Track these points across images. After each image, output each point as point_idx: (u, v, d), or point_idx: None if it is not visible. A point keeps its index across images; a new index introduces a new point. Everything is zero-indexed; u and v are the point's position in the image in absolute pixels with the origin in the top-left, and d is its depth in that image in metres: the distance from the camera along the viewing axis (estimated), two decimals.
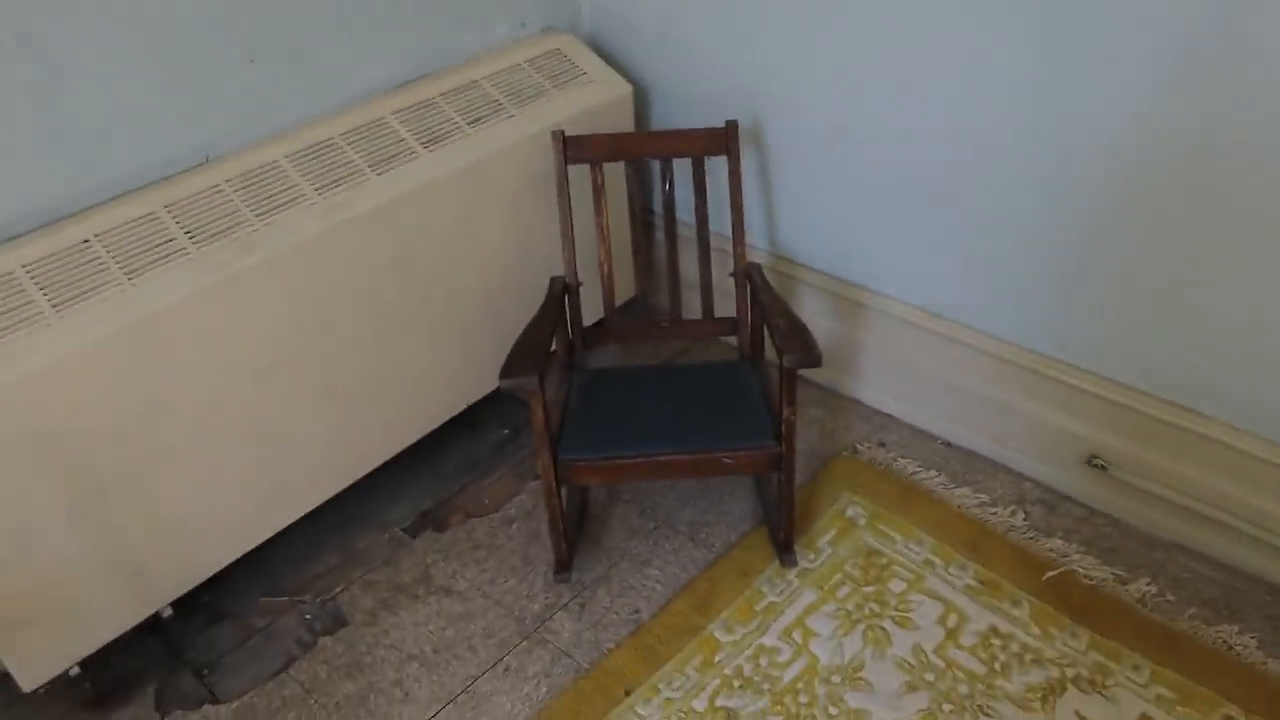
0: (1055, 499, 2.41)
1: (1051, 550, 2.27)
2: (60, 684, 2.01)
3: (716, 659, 2.08)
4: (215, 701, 2.07)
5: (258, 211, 2.04)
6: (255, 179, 2.08)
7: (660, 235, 2.46)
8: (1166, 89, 1.86)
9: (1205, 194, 1.91)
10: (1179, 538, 2.28)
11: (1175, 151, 1.90)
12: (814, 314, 2.70)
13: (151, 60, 1.98)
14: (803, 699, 1.99)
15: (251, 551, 2.22)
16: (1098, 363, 2.25)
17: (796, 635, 2.11)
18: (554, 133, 2.28)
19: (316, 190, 2.11)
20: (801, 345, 1.99)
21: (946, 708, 1.96)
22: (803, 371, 2.74)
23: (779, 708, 1.98)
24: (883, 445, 2.58)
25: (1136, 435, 2.24)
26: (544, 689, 2.05)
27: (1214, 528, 2.21)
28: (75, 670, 2.02)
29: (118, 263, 1.89)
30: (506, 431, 2.68)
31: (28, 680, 1.95)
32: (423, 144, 2.26)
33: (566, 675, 2.07)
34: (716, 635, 2.12)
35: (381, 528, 2.44)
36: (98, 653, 2.03)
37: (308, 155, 2.15)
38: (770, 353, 2.17)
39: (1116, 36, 1.88)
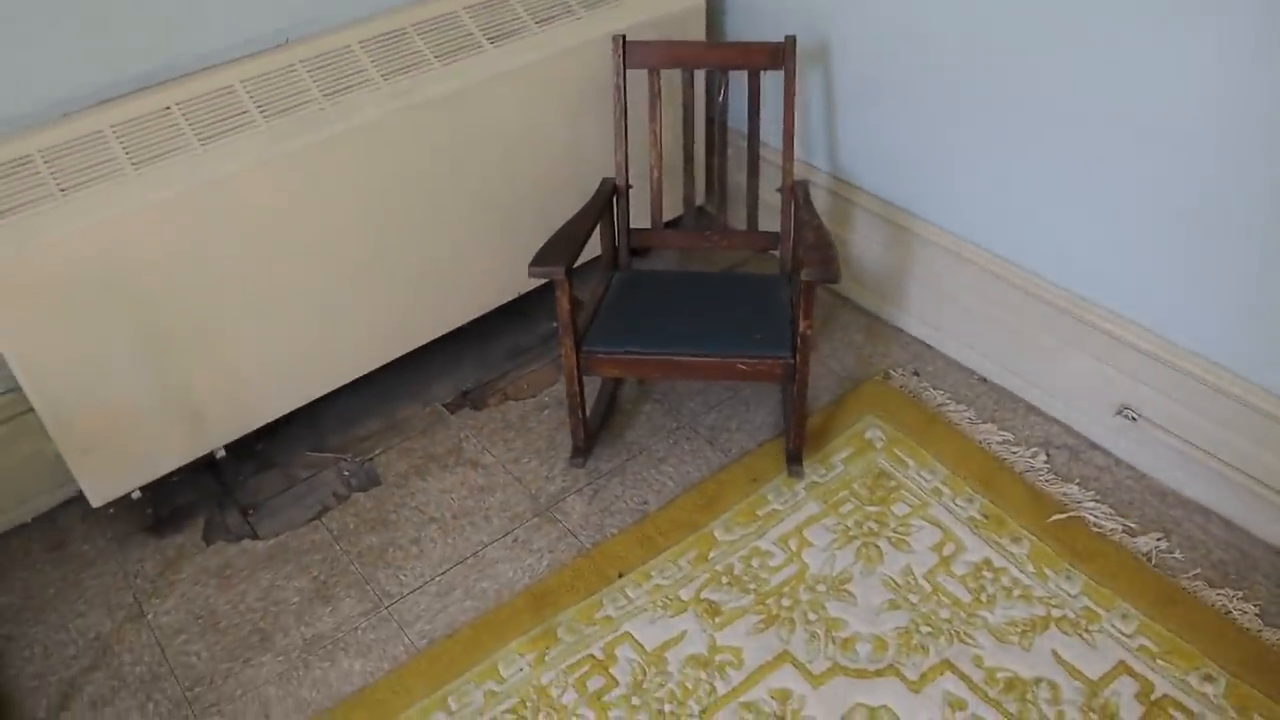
0: (1082, 446, 2.40)
1: (1065, 495, 2.27)
2: (124, 505, 2.26)
3: (710, 555, 2.18)
4: (255, 538, 2.29)
5: (325, 91, 2.18)
6: (327, 62, 2.21)
7: (726, 146, 2.51)
8: None
9: None
10: (1201, 498, 2.25)
11: None
12: (866, 238, 2.71)
13: None
14: (785, 601, 2.08)
15: (303, 408, 2.42)
16: (1137, 311, 2.21)
17: (792, 543, 2.19)
18: (614, 36, 2.34)
19: (383, 75, 2.23)
20: (821, 260, 2.03)
21: (924, 629, 2.02)
22: (848, 295, 2.80)
23: (760, 607, 2.07)
24: (917, 374, 2.60)
25: (1169, 389, 2.20)
26: (545, 562, 2.19)
27: (1237, 491, 2.17)
28: (137, 494, 2.25)
29: (194, 129, 2.06)
30: (555, 325, 2.79)
31: (96, 497, 2.19)
32: (489, 39, 2.36)
33: (568, 553, 2.21)
34: (715, 533, 2.22)
35: (424, 401, 2.60)
36: (158, 482, 2.27)
37: (379, 42, 2.27)
38: None
39: None
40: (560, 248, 2.13)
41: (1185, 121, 1.94)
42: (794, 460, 2.30)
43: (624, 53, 2.35)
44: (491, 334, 2.74)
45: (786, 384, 2.18)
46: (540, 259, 2.09)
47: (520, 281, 2.63)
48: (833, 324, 2.77)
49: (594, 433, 2.44)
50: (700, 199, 2.62)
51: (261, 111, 2.11)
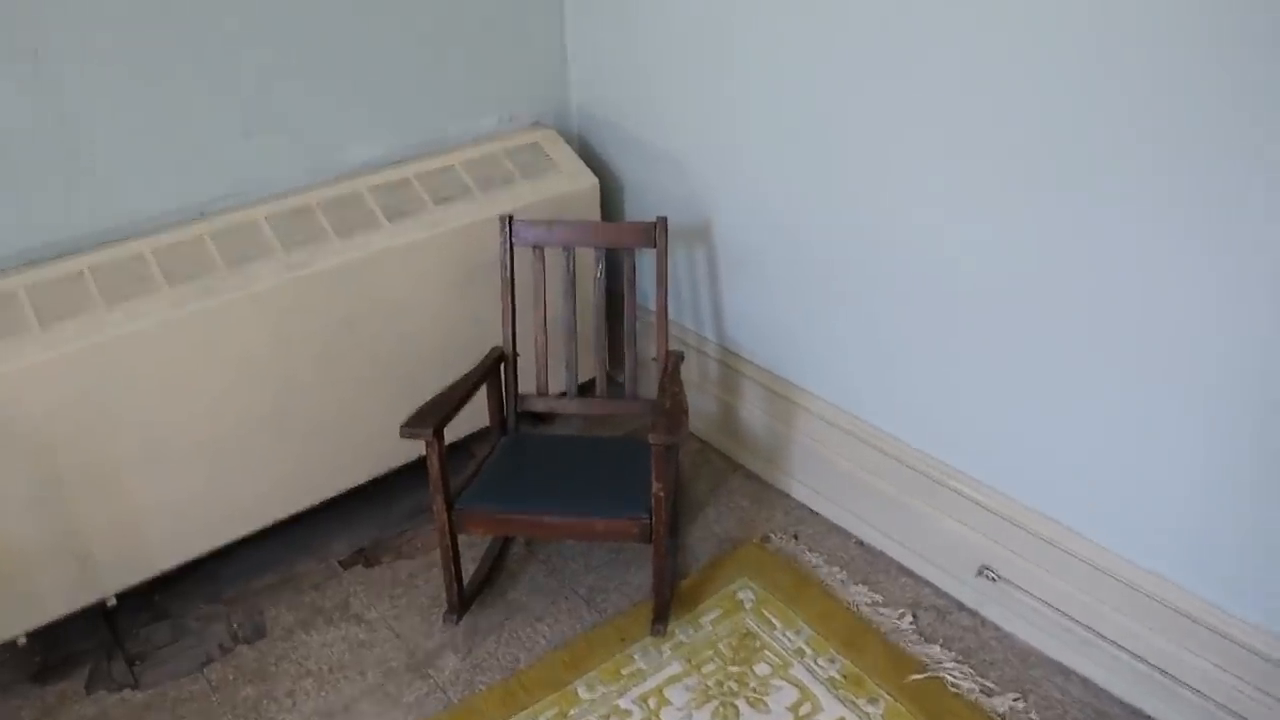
0: (950, 607, 2.45)
1: (928, 655, 2.31)
2: (10, 651, 2.33)
3: (571, 713, 2.21)
4: (135, 688, 2.34)
5: (229, 261, 2.37)
6: (235, 234, 2.42)
7: (611, 318, 2.68)
8: None
9: None
10: (1061, 658, 2.29)
11: None
12: (753, 406, 2.84)
13: (160, 128, 2.35)
14: None
15: (205, 560, 2.51)
16: (989, 474, 2.31)
17: (651, 702, 2.23)
18: (501, 216, 2.54)
19: (284, 248, 2.43)
20: (666, 425, 2.16)
21: None
22: (740, 460, 2.91)
23: None
24: (796, 538, 2.68)
25: (1025, 550, 2.28)
26: (411, 717, 2.23)
27: (1093, 652, 2.21)
28: (23, 640, 2.32)
29: (102, 292, 2.24)
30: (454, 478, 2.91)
31: None
32: (388, 217, 2.57)
33: (435, 708, 2.25)
34: (578, 691, 2.26)
35: (321, 557, 2.69)
36: (49, 628, 2.34)
37: (285, 218, 2.49)
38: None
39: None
40: (432, 411, 2.27)
41: (1031, 289, 2.09)
42: (657, 619, 2.36)
43: (510, 231, 2.55)
44: (395, 492, 2.85)
45: (646, 544, 2.27)
46: (411, 421, 2.23)
47: (420, 444, 2.76)
48: (721, 488, 2.88)
49: (477, 591, 2.52)
50: (587, 372, 2.76)
51: (167, 278, 2.30)
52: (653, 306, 2.61)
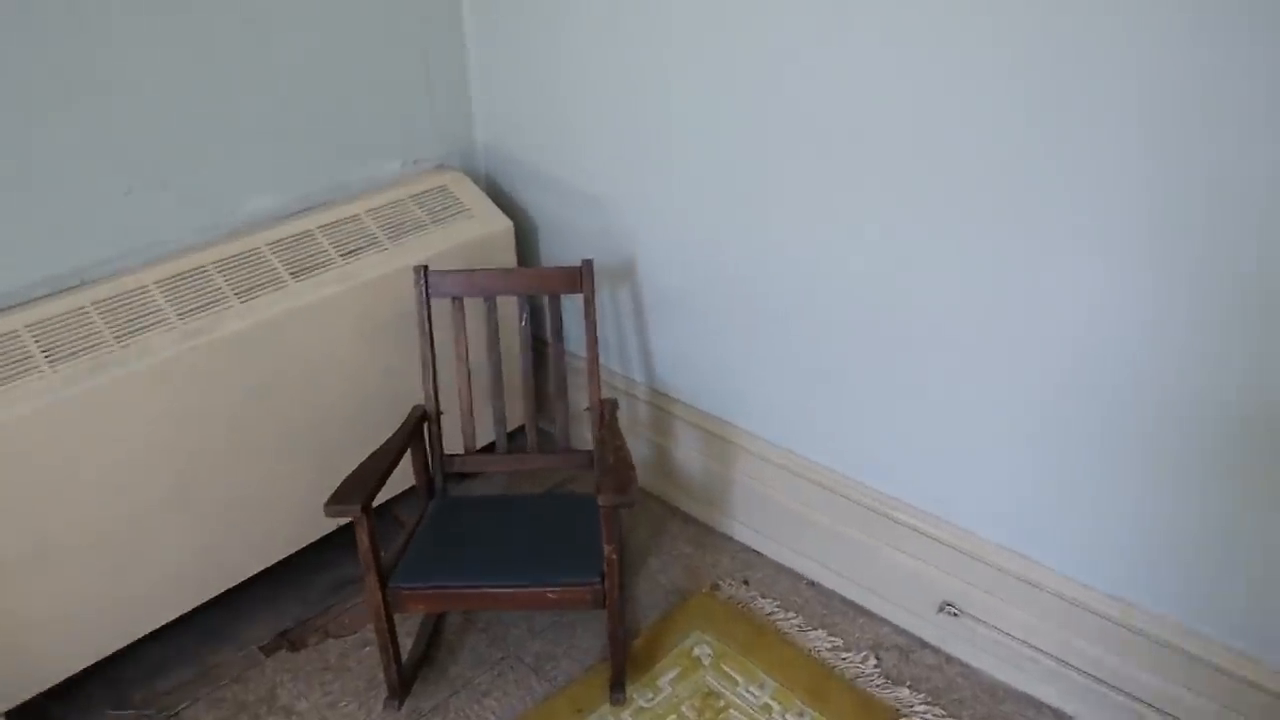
0: (912, 645, 2.38)
1: (897, 700, 2.23)
2: None
3: None
4: None
5: (117, 334, 2.14)
6: (120, 303, 2.19)
7: (538, 366, 2.53)
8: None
9: None
10: (1031, 691, 2.24)
11: None
12: (688, 448, 2.74)
13: (33, 185, 2.12)
14: None
15: (107, 660, 2.27)
16: (942, 507, 2.25)
17: None
18: (415, 267, 2.38)
19: (179, 315, 2.22)
20: (617, 484, 2.03)
21: None
22: (677, 504, 2.79)
23: None
24: (746, 583, 2.58)
25: (984, 583, 2.22)
26: None
27: (1064, 683, 2.17)
28: None
29: None
30: (382, 550, 2.72)
31: None
32: (292, 274, 2.38)
33: None
34: None
35: (238, 644, 2.47)
36: None
37: (177, 281, 2.27)
38: None
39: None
40: (358, 484, 2.09)
41: (976, 322, 2.03)
42: (615, 687, 2.23)
43: (426, 282, 2.38)
44: (314, 565, 2.64)
45: (599, 609, 2.13)
46: (337, 497, 2.04)
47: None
48: (662, 535, 2.76)
49: (415, 668, 2.34)
50: (516, 422, 2.63)
51: (47, 356, 2.06)
52: (581, 353, 2.48)
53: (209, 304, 2.26)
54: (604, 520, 2.04)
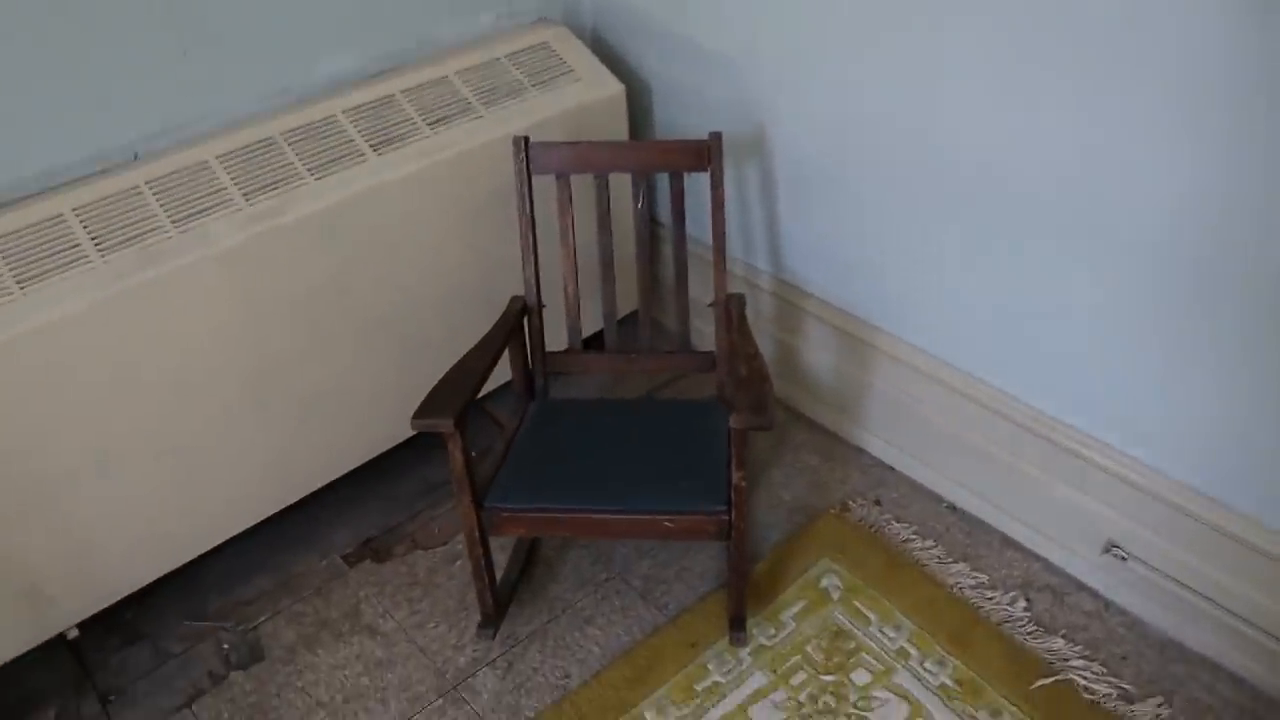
0: (1066, 586, 2.09)
1: (1050, 652, 1.96)
2: None
3: None
4: None
5: (175, 218, 1.88)
6: (178, 181, 1.92)
7: (653, 255, 2.21)
8: None
9: None
10: (1206, 650, 1.94)
11: None
12: (819, 348, 2.42)
13: (77, 50, 1.82)
14: None
15: (180, 569, 2.10)
16: (1119, 437, 1.92)
17: None
18: (515, 138, 2.05)
19: (244, 195, 1.94)
20: (752, 404, 1.73)
21: None
22: (802, 409, 2.50)
23: None
24: (878, 504, 2.30)
25: (1161, 526, 1.91)
26: None
27: (1245, 644, 1.87)
28: None
29: (12, 270, 1.75)
30: (474, 453, 2.49)
31: None
32: (372, 146, 2.07)
33: None
34: (646, 716, 1.90)
35: (321, 553, 2.28)
36: (3, 668, 1.94)
37: (242, 156, 1.98)
38: None
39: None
40: (448, 393, 1.82)
41: (1165, 230, 1.66)
42: (735, 626, 1.98)
43: (527, 157, 2.06)
44: (401, 466, 2.42)
45: (722, 541, 1.87)
46: (425, 409, 1.79)
47: None
48: (785, 444, 2.47)
49: (511, 589, 2.13)
50: (626, 310, 2.33)
51: (96, 244, 1.81)
52: (705, 240, 2.15)
53: (278, 182, 1.97)
54: (735, 444, 1.75)
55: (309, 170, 2.00)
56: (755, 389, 1.78)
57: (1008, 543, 2.19)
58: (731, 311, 2.07)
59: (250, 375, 2.01)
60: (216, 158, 1.96)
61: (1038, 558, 2.15)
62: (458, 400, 1.80)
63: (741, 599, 1.97)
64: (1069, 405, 1.99)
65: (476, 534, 1.89)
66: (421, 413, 1.78)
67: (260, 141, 2.01)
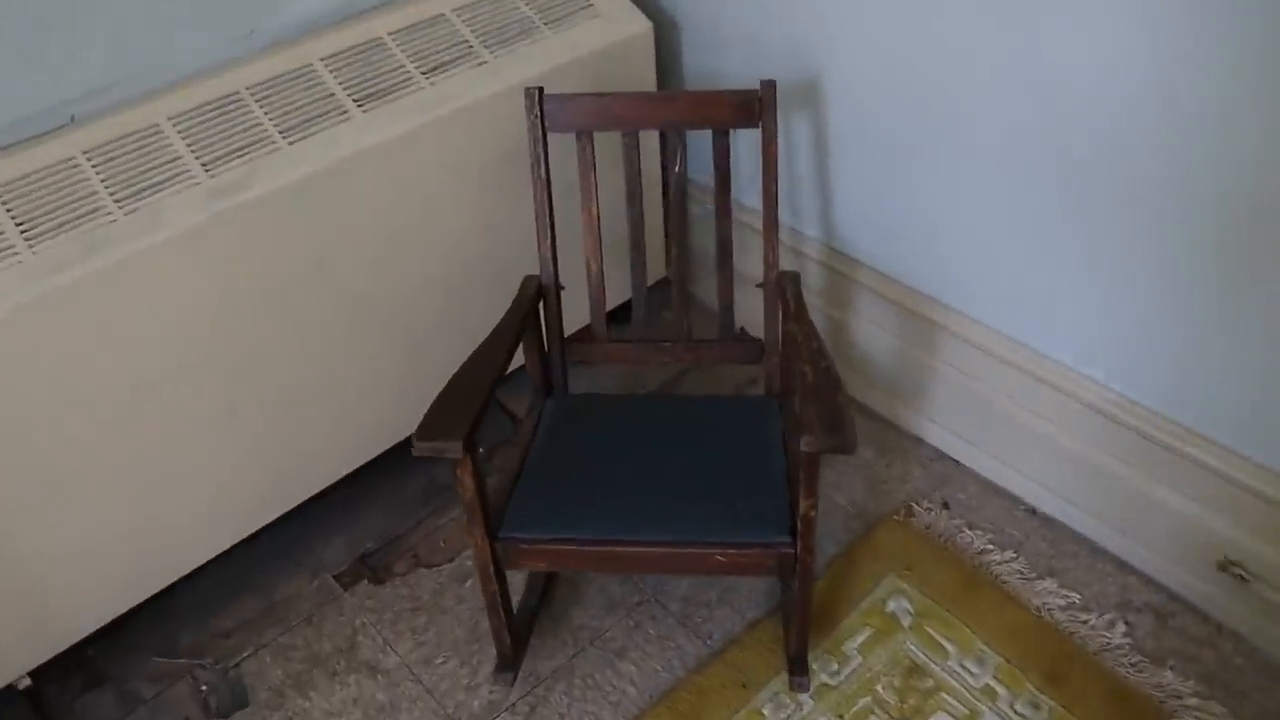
0: (1170, 607, 1.82)
1: (1159, 688, 1.69)
2: None
3: None
4: None
5: (120, 195, 1.55)
6: (123, 149, 1.59)
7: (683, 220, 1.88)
8: None
9: None
10: None
11: None
12: (874, 325, 2.11)
13: None
14: None
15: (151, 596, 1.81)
16: (1246, 441, 1.63)
17: None
18: (527, 90, 1.72)
19: (204, 166, 1.61)
20: (826, 421, 1.42)
21: None
22: (853, 393, 2.20)
23: None
24: (947, 507, 2.01)
25: None
26: None
27: None
28: None
29: None
30: (482, 450, 2.18)
31: None
32: (357, 101, 1.73)
33: None
34: None
35: (310, 573, 1.99)
36: None
37: (200, 116, 1.65)
38: None
39: None
40: (455, 407, 1.51)
41: None
42: (798, 669, 1.70)
43: (541, 111, 1.73)
44: (399, 469, 2.12)
45: (785, 578, 1.59)
46: (429, 429, 1.47)
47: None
48: None
49: (531, 617, 1.85)
50: (658, 274, 2.01)
51: (24, 232, 1.48)
52: (753, 206, 1.83)
53: (245, 148, 1.64)
54: (805, 469, 1.45)
55: (281, 132, 1.67)
56: (827, 400, 1.47)
57: (1097, 553, 1.91)
58: (787, 293, 1.76)
59: (218, 377, 1.70)
60: (169, 120, 1.62)
61: (1134, 570, 1.87)
62: (467, 416, 1.49)
63: (804, 640, 1.69)
64: (1165, 394, 1.69)
65: (491, 569, 1.59)
66: (425, 433, 1.47)
67: (222, 98, 1.67)
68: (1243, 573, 1.71)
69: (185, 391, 1.66)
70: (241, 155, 1.63)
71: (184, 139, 1.61)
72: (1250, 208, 1.44)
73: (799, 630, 1.66)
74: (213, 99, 1.66)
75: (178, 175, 1.59)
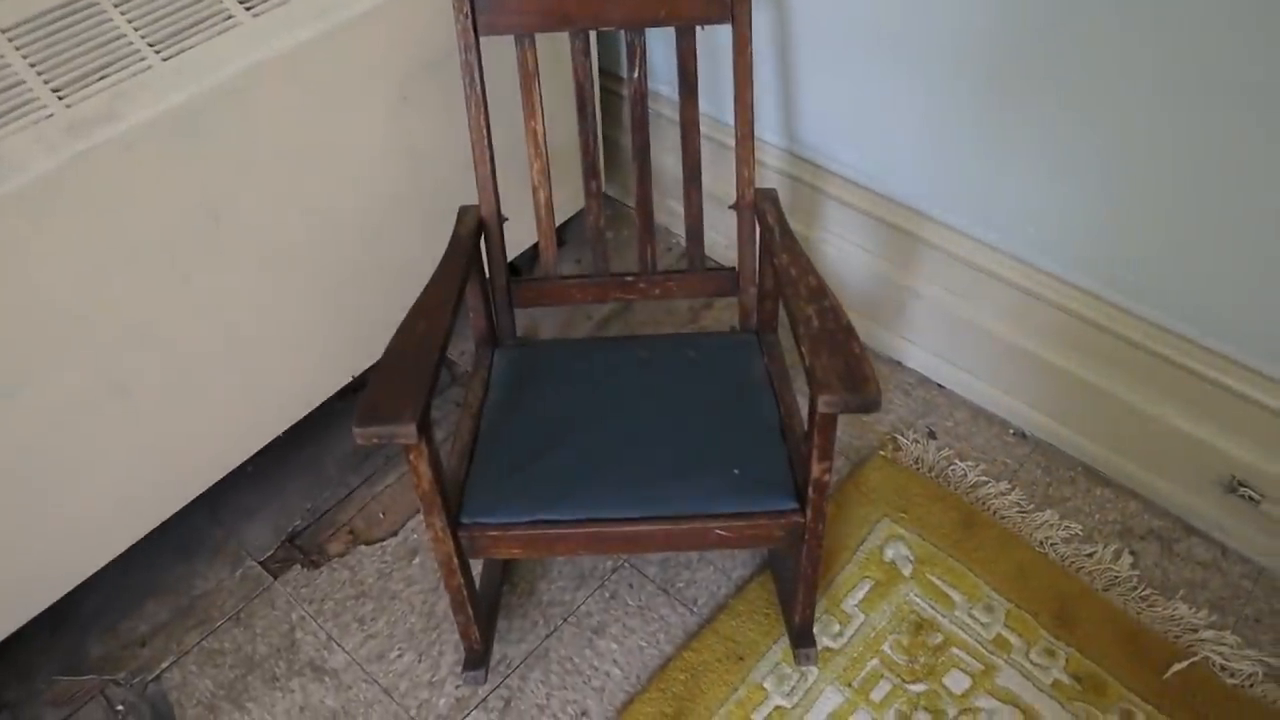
0: (1173, 531, 1.72)
1: (1173, 621, 1.60)
2: None
3: None
4: None
5: None
6: None
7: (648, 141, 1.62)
8: None
9: None
10: None
11: None
12: (846, 241, 1.92)
13: None
14: None
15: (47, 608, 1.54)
16: (1252, 353, 1.51)
17: None
18: None
19: (56, 93, 1.28)
20: (845, 376, 1.22)
21: None
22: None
23: None
24: (933, 436, 1.86)
25: None
26: None
27: None
28: None
29: None
30: None
31: None
32: (244, 3, 1.41)
33: None
34: None
35: (232, 561, 1.74)
36: None
37: (45, 30, 1.30)
38: (788, 326, 1.39)
39: None
40: (402, 382, 1.26)
41: None
42: (802, 639, 1.54)
43: (473, 9, 1.43)
44: (321, 429, 1.86)
45: (792, 547, 1.40)
46: (373, 411, 1.21)
47: (350, 360, 1.76)
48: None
49: (496, 598, 1.64)
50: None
51: None
52: (722, 120, 1.59)
53: (107, 67, 1.31)
54: (819, 430, 1.25)
55: (152, 46, 1.34)
56: (842, 349, 1.27)
57: (1093, 477, 1.79)
58: (768, 215, 1.53)
59: (100, 353, 1.40)
60: (3, 34, 1.28)
61: (1134, 494, 1.77)
62: (418, 390, 1.24)
63: (810, 612, 1.52)
64: (1166, 306, 1.56)
65: (455, 561, 1.37)
66: (369, 416, 1.21)
67: (72, 4, 1.33)
68: (1252, 493, 1.61)
69: (60, 375, 1.36)
70: (103, 77, 1.31)
71: (27, 60, 1.28)
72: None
73: (804, 601, 1.49)
74: (60, 5, 1.32)
75: (23, 107, 1.25)
